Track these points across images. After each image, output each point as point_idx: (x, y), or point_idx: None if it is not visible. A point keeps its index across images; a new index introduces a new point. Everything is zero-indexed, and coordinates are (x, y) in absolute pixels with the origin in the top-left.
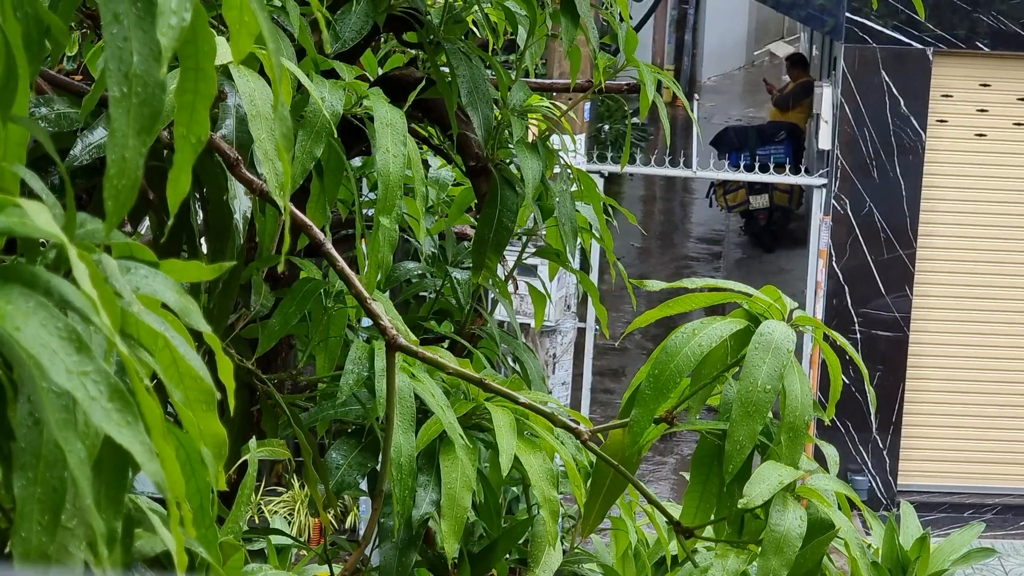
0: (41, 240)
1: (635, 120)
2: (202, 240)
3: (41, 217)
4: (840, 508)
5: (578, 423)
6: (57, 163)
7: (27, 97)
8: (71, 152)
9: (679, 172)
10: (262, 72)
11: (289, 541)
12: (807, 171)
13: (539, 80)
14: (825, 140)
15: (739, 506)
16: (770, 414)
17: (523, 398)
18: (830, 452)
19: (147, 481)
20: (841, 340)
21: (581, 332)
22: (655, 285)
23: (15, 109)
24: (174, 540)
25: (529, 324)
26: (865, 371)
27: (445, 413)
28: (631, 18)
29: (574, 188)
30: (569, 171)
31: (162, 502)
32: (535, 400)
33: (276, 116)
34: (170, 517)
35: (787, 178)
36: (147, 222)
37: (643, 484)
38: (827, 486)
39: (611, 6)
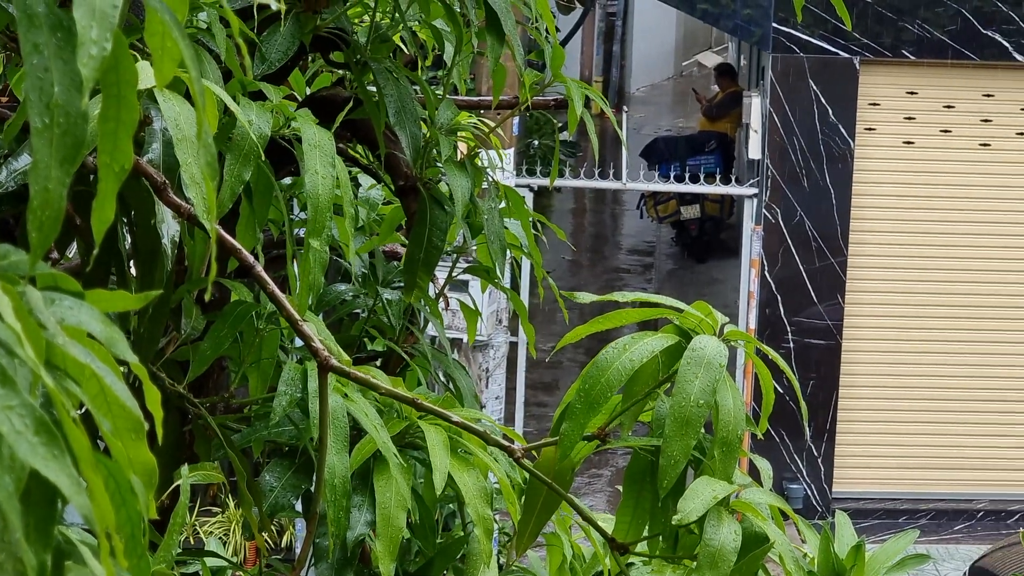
0: None
1: (564, 134)
2: (131, 264)
3: None
4: (774, 521)
5: (512, 440)
6: None
7: None
8: None
9: (609, 184)
10: (188, 95)
11: (224, 563)
12: (737, 181)
13: (467, 98)
14: (755, 150)
15: (673, 522)
16: (703, 429)
17: (455, 417)
18: (763, 465)
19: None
20: (773, 355)
21: (513, 346)
22: (585, 298)
23: None
24: (104, 572)
25: (462, 339)
26: (797, 384)
27: (379, 433)
28: (558, 31)
29: (502, 205)
30: (497, 188)
31: (94, 533)
32: (468, 418)
33: (200, 144)
34: (100, 549)
35: (717, 188)
36: (75, 247)
37: (578, 499)
38: (761, 499)
39: (537, 22)
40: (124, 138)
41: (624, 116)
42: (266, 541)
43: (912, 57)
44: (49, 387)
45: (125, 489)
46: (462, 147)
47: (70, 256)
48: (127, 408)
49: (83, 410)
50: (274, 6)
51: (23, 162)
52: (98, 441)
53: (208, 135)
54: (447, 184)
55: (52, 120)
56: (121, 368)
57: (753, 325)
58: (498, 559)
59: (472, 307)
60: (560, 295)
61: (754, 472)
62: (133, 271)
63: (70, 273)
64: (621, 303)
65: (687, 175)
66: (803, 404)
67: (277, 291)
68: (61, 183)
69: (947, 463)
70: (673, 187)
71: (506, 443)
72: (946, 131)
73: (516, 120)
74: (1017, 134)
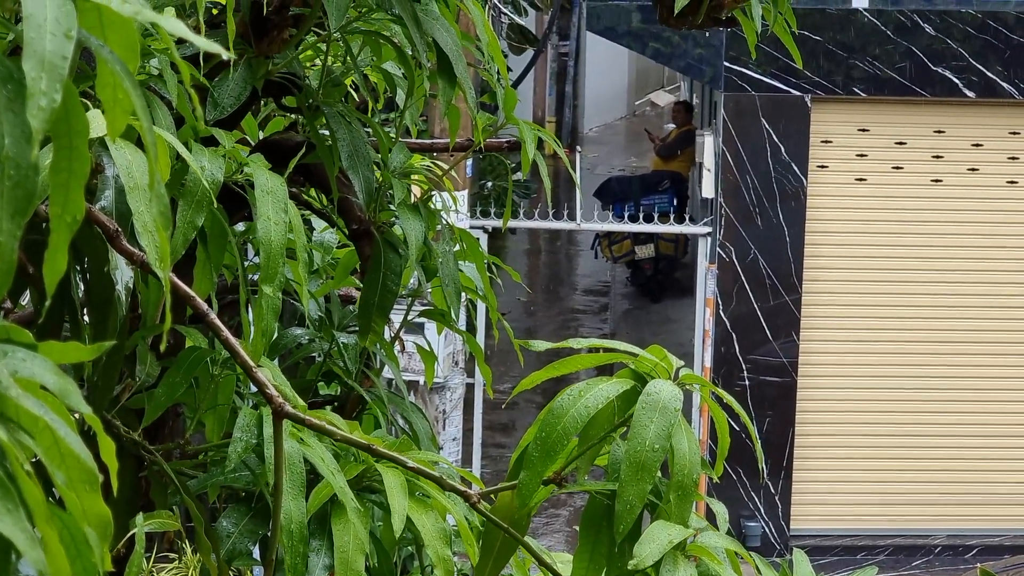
0: None
1: (517, 175)
2: (85, 311)
3: None
4: (731, 564)
5: (469, 484)
6: None
7: None
8: None
9: (563, 225)
10: (140, 142)
11: None
12: (691, 220)
13: (419, 141)
14: (708, 188)
15: (630, 566)
16: (659, 473)
17: (411, 463)
18: (719, 509)
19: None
20: (728, 398)
21: (470, 387)
22: (540, 346)
23: None
24: None
25: (419, 381)
26: (752, 427)
27: (335, 478)
28: (510, 72)
29: (457, 248)
30: (452, 231)
31: None
32: (424, 461)
33: (153, 193)
34: None
35: (671, 227)
36: (28, 295)
37: (536, 539)
38: (717, 543)
39: (489, 64)
40: (76, 189)
41: (578, 156)
42: None
43: (863, 94)
44: (2, 440)
45: (80, 541)
46: (416, 190)
47: (24, 304)
48: (81, 460)
49: (36, 460)
50: (224, 55)
51: None
52: (52, 492)
53: (160, 186)
54: (401, 228)
55: (3, 172)
56: (75, 416)
57: (708, 363)
58: None
59: (428, 350)
60: (515, 340)
61: (711, 515)
62: (87, 318)
63: (23, 322)
64: (576, 349)
65: (641, 214)
66: (758, 445)
67: (231, 338)
68: (12, 236)
69: (904, 499)
70: (627, 227)
71: (462, 487)
72: (898, 167)
73: (469, 162)
74: (968, 170)
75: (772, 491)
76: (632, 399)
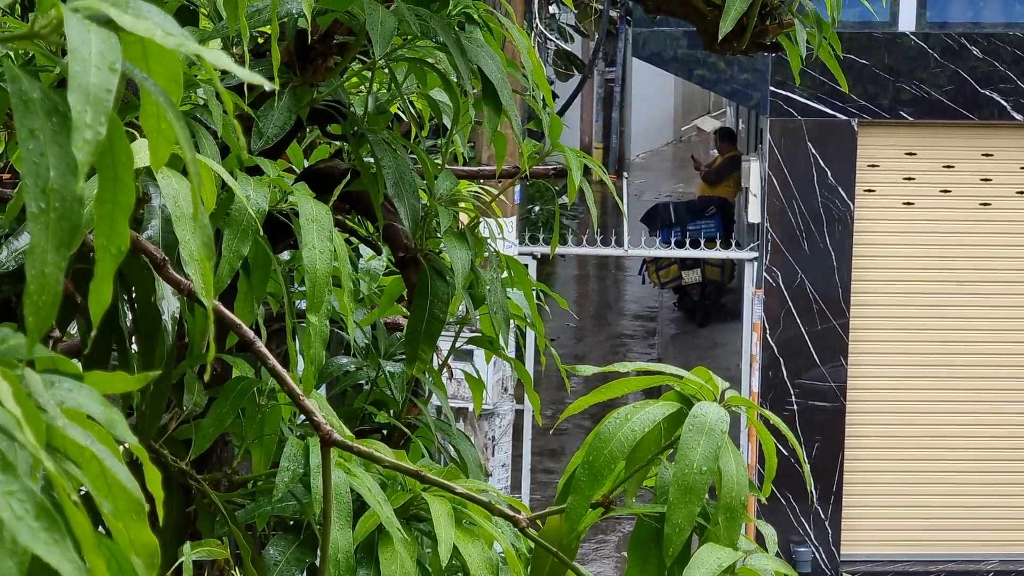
0: None
1: (564, 200)
2: (132, 340)
3: None
4: None
5: (517, 510)
6: None
7: None
8: None
9: (611, 251)
10: (186, 172)
11: None
12: (738, 245)
13: (466, 168)
14: (754, 214)
15: None
16: (707, 495)
17: (459, 488)
18: (768, 531)
19: None
20: (775, 419)
21: (519, 413)
22: (587, 371)
23: None
24: None
25: (467, 408)
26: (799, 449)
27: (382, 508)
28: (557, 98)
29: (504, 275)
30: (499, 258)
31: None
32: (472, 488)
33: (197, 225)
34: None
35: (718, 253)
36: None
37: (585, 565)
38: (766, 566)
39: (535, 91)
40: (121, 220)
41: (624, 182)
42: None
43: (910, 118)
44: (49, 471)
45: (127, 571)
46: (463, 217)
47: (72, 333)
48: (128, 490)
49: (83, 491)
50: (267, 87)
51: (24, 241)
52: (100, 522)
53: (204, 216)
54: (448, 255)
55: (48, 205)
56: (122, 446)
57: (756, 388)
58: None
59: (476, 377)
60: (562, 367)
61: (760, 537)
62: (134, 347)
63: (71, 351)
64: (623, 373)
65: (688, 240)
66: (807, 469)
67: (278, 366)
68: (58, 267)
69: (956, 524)
70: (674, 252)
71: (511, 512)
72: (946, 191)
73: (518, 188)
74: (1017, 193)
75: (822, 516)
76: (678, 421)
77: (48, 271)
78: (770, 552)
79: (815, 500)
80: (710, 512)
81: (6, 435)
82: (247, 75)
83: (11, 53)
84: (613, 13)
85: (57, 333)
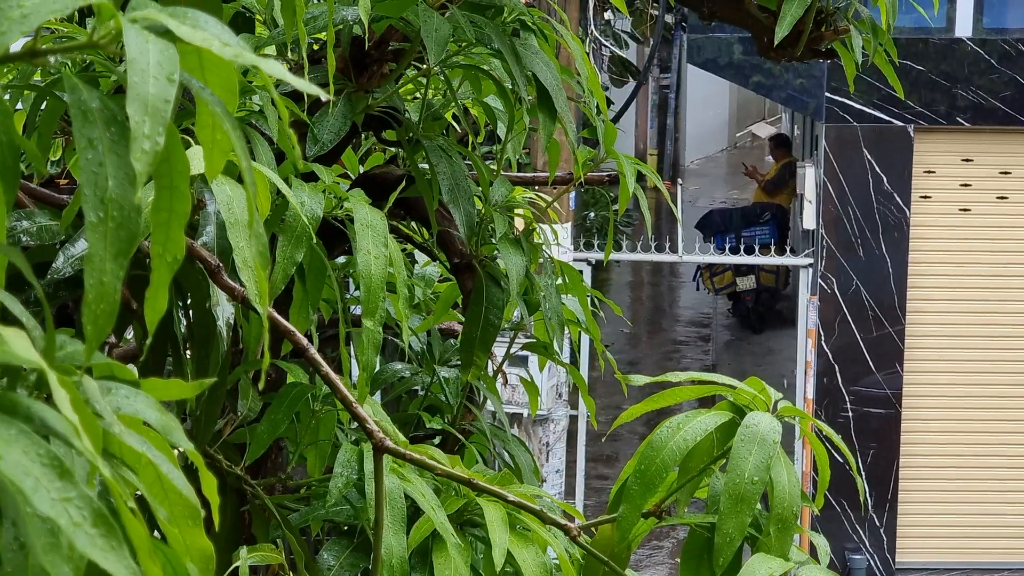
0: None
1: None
2: (187, 346)
3: (19, 343)
4: None
5: (570, 517)
6: (35, 286)
7: (4, 222)
8: (53, 265)
9: (665, 257)
10: (241, 179)
11: None
12: (793, 251)
13: (520, 175)
14: (809, 220)
15: None
16: (759, 505)
17: (512, 496)
18: (820, 542)
19: None
20: (827, 430)
21: (573, 419)
22: (639, 380)
23: None
24: None
25: (522, 414)
26: (852, 459)
27: (436, 513)
28: (611, 104)
29: (559, 281)
30: (553, 264)
31: None
32: (526, 494)
33: (252, 233)
34: None
35: (773, 259)
36: (133, 330)
37: (638, 572)
38: None
39: (589, 98)
40: (176, 228)
41: (679, 189)
42: None
43: (967, 124)
44: (106, 477)
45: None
46: (518, 223)
47: (128, 339)
48: (183, 496)
49: (139, 496)
50: (323, 96)
51: (80, 248)
52: (155, 527)
53: (259, 224)
54: (503, 261)
55: (106, 214)
56: (177, 452)
57: (811, 395)
58: None
59: (531, 382)
60: (618, 372)
61: (814, 548)
62: (189, 354)
63: (127, 357)
64: (675, 383)
65: (742, 246)
66: (859, 479)
67: (331, 373)
68: (115, 276)
69: (1011, 531)
70: (728, 259)
71: (563, 521)
72: (1003, 197)
73: (573, 194)
74: None
75: (877, 523)
76: (731, 431)
77: (106, 280)
78: (822, 563)
79: (870, 507)
80: (762, 522)
81: (64, 442)
82: (302, 84)
83: (68, 60)
84: (668, 19)
85: (113, 339)
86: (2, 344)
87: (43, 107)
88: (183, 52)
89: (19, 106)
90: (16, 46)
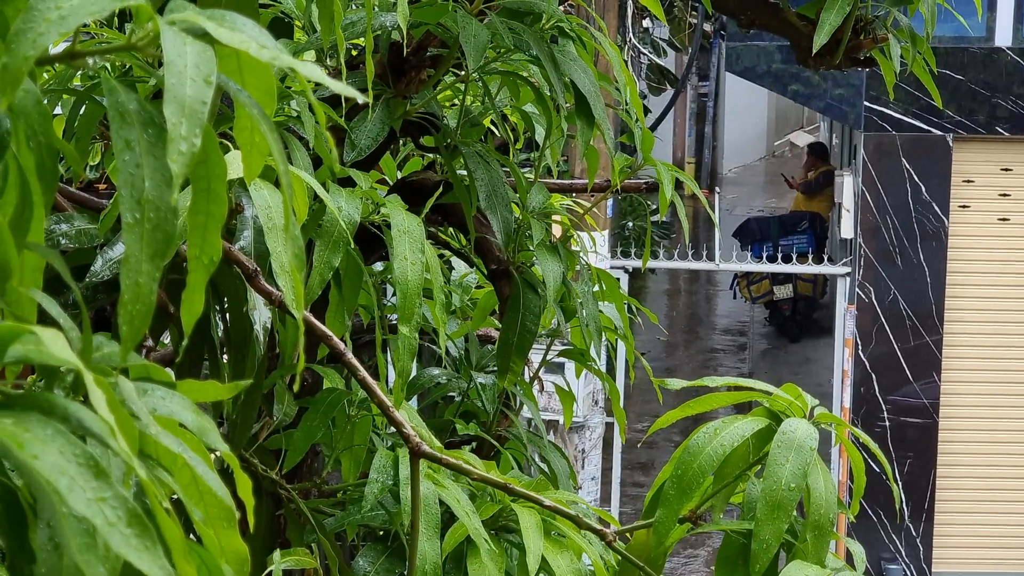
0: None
1: (657, 215)
2: (224, 350)
3: (57, 344)
4: None
5: (606, 523)
6: (73, 288)
7: (42, 224)
8: (91, 268)
9: (702, 265)
10: (278, 184)
11: None
12: (830, 260)
13: (558, 181)
14: (847, 229)
15: None
16: (795, 512)
17: (547, 501)
18: (857, 549)
19: None
20: (864, 437)
21: (610, 426)
22: (676, 384)
23: (31, 236)
24: None
25: (558, 421)
26: (888, 467)
27: (470, 519)
28: (649, 113)
29: (596, 288)
30: (590, 271)
31: None
32: (561, 500)
33: (288, 237)
34: None
35: (810, 268)
36: (170, 333)
37: None
38: None
39: (627, 106)
40: (213, 231)
41: (716, 197)
42: None
43: (1006, 133)
44: (142, 478)
45: None
46: (556, 230)
47: (165, 343)
48: (219, 497)
49: (175, 497)
50: (361, 99)
51: (118, 251)
52: (191, 529)
53: (295, 228)
54: (540, 268)
55: (143, 215)
56: (213, 455)
57: (848, 404)
58: None
59: (567, 389)
60: (654, 379)
61: (850, 555)
62: (225, 358)
63: (164, 360)
64: (711, 388)
65: (780, 255)
66: (896, 488)
67: (368, 378)
68: (152, 278)
69: None
70: (766, 267)
71: (598, 526)
72: None
73: (610, 201)
74: None
75: (913, 533)
76: (767, 438)
77: (142, 281)
78: (858, 570)
79: (906, 517)
80: (798, 529)
81: (100, 442)
82: (340, 88)
83: (107, 64)
84: (707, 27)
85: (150, 342)
86: (40, 345)
87: (81, 111)
88: (222, 55)
89: (58, 110)
90: (55, 49)
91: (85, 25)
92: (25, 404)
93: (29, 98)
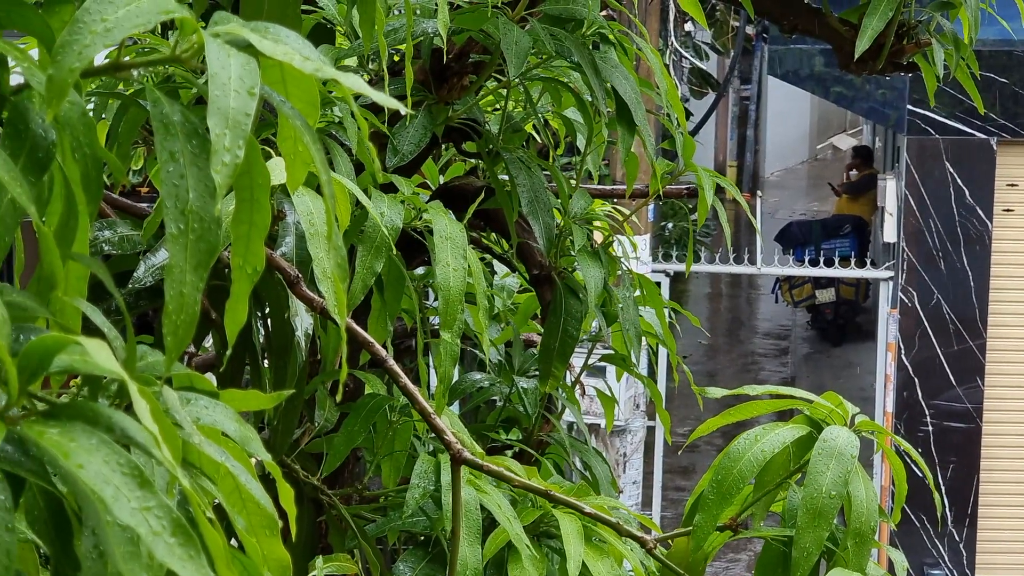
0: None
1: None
2: (265, 356)
3: (101, 355)
4: None
5: (647, 530)
6: (117, 298)
7: (87, 234)
8: (135, 274)
9: (744, 269)
10: (321, 191)
11: None
12: (873, 264)
13: (599, 187)
14: (890, 233)
15: None
16: (835, 519)
17: (588, 508)
18: (897, 557)
19: None
20: (905, 445)
21: (651, 431)
22: (716, 393)
23: (76, 247)
24: None
25: (599, 424)
26: (929, 474)
27: (511, 525)
28: (691, 116)
29: (637, 293)
30: (631, 276)
31: None
32: (602, 506)
33: (331, 245)
34: None
35: (853, 272)
36: (212, 338)
37: None
38: None
39: (668, 111)
40: (256, 240)
41: (758, 200)
42: None
43: None
44: (185, 487)
45: None
46: (597, 235)
47: (207, 348)
48: (261, 506)
49: (217, 505)
50: (402, 111)
51: (161, 257)
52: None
53: (338, 237)
54: (581, 273)
55: (187, 226)
56: (254, 462)
57: (890, 409)
58: None
59: (609, 394)
60: (695, 385)
61: (891, 563)
62: (267, 364)
63: (206, 365)
64: (751, 396)
65: (822, 259)
66: (937, 494)
67: (409, 384)
68: (195, 288)
69: None
70: (808, 271)
71: (639, 533)
72: None
73: (652, 205)
74: None
75: (956, 538)
76: (808, 445)
77: (186, 291)
78: None
79: (949, 522)
80: (838, 537)
81: (144, 452)
82: (381, 98)
83: (151, 72)
84: (749, 30)
85: (192, 348)
86: (85, 355)
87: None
88: (265, 66)
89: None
90: (99, 58)
91: None
92: (70, 414)
93: (74, 110)
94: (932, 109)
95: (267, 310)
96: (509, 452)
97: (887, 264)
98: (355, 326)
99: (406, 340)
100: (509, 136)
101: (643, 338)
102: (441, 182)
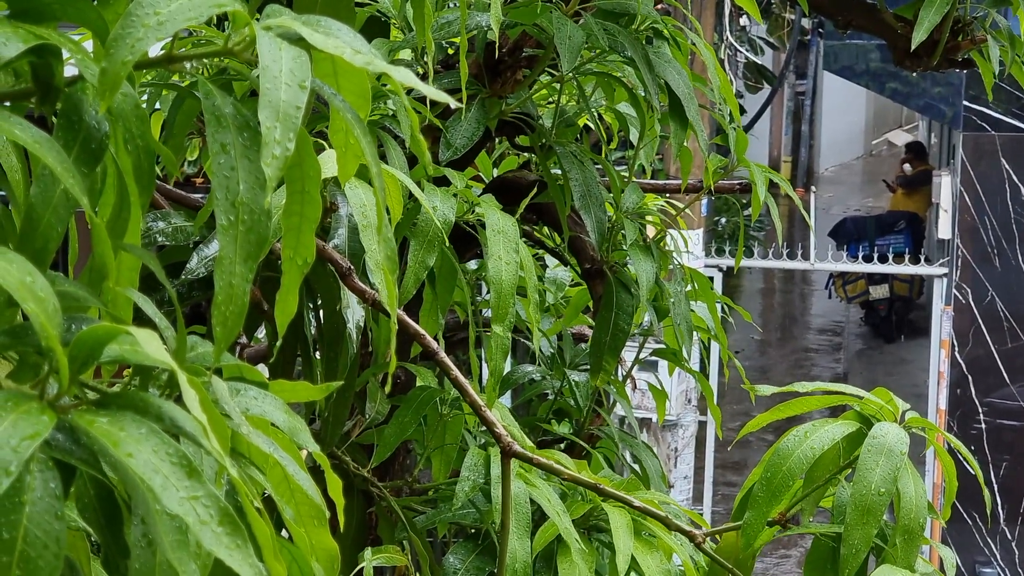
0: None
1: (749, 213)
2: (317, 348)
3: (152, 345)
4: None
5: (696, 524)
6: (168, 289)
7: (139, 225)
8: (188, 265)
9: (797, 264)
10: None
11: None
12: (927, 260)
13: (652, 182)
14: (945, 229)
15: None
16: (885, 516)
17: (637, 502)
18: (947, 555)
19: None
20: (955, 442)
21: (702, 425)
22: (766, 391)
23: (128, 238)
24: None
25: (651, 419)
26: (979, 472)
27: (561, 518)
28: (745, 112)
29: (689, 288)
30: (683, 271)
31: None
32: (652, 500)
33: (380, 238)
34: None
35: (907, 268)
36: (264, 328)
37: None
38: None
39: (721, 106)
40: (307, 232)
41: (812, 196)
42: None
43: None
44: (233, 477)
45: (308, 575)
46: (650, 230)
47: (259, 339)
48: (310, 496)
49: (266, 496)
50: (453, 104)
51: (213, 249)
52: (281, 527)
53: (388, 231)
54: (633, 268)
55: (237, 218)
56: (304, 453)
57: (943, 406)
58: None
59: (660, 388)
60: (747, 381)
61: (942, 560)
62: (318, 355)
63: (257, 356)
64: (801, 393)
65: (876, 255)
66: (987, 492)
67: (460, 377)
68: (245, 279)
69: None
70: (862, 267)
71: (688, 527)
72: None
73: (704, 200)
74: None
75: (1009, 536)
76: (857, 441)
77: (236, 283)
78: (949, 575)
79: (1001, 520)
80: (888, 533)
81: (192, 441)
82: (433, 92)
83: (206, 64)
84: (805, 24)
85: (244, 339)
86: (135, 345)
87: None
88: (317, 59)
89: (156, 105)
90: (155, 49)
91: None
92: (120, 403)
93: (127, 102)
94: (988, 106)
95: (319, 302)
96: (560, 446)
97: (941, 261)
98: (407, 318)
99: (458, 333)
100: (562, 130)
101: (695, 333)
102: (495, 174)
